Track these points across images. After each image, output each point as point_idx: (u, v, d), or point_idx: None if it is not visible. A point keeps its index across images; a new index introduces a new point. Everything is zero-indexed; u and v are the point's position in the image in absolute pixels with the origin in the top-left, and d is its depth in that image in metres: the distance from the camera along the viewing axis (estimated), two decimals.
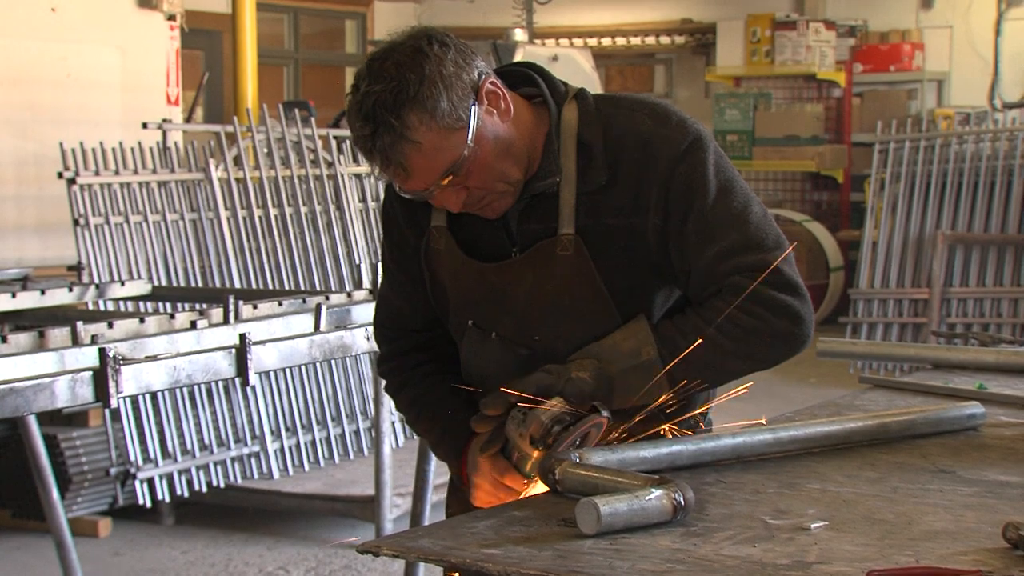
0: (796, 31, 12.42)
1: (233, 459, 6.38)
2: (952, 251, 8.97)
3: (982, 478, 2.24)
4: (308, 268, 7.01)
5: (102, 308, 5.08)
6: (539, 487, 2.25)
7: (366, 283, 4.61)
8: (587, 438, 2.24)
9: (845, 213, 12.37)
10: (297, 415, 6.64)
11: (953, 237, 8.95)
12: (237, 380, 3.41)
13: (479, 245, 2.37)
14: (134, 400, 5.96)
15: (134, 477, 5.98)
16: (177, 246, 6.57)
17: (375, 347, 3.90)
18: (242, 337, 3.36)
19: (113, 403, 3.03)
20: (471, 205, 2.28)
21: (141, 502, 6.00)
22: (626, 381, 2.28)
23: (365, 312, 3.99)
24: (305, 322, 3.89)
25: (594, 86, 10.77)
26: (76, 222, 6.21)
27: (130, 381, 3.07)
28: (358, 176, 7.43)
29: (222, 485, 6.29)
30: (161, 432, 6.14)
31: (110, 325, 3.68)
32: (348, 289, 5.47)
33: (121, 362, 3.05)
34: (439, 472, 4.09)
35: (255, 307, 4.07)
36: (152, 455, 6.07)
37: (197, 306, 4.49)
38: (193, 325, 3.69)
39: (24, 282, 4.77)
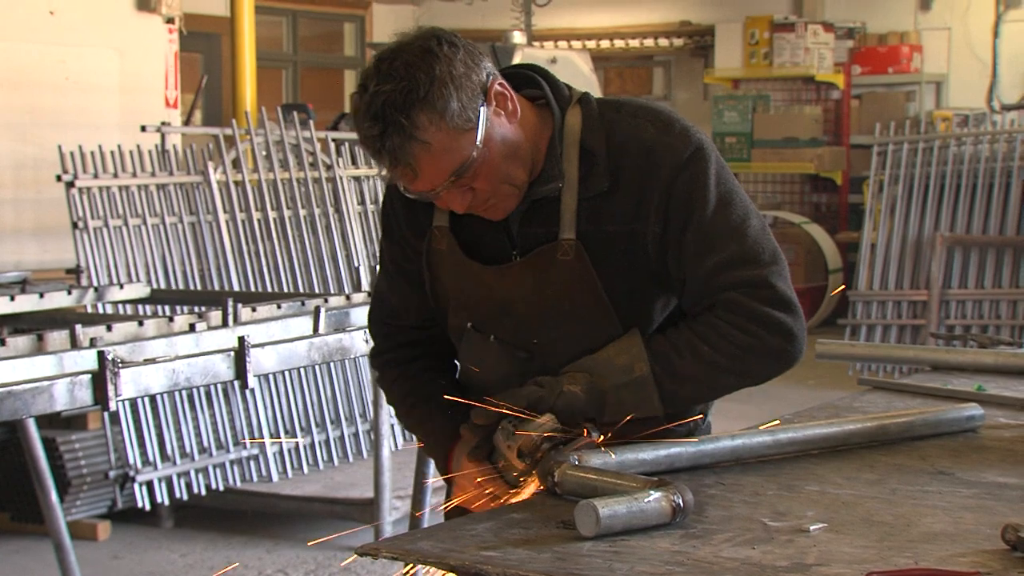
0: (794, 33, 12.43)
1: (232, 462, 6.38)
2: (951, 253, 8.97)
3: (981, 480, 2.24)
4: (307, 271, 7.01)
5: (101, 311, 5.08)
6: (522, 495, 2.26)
7: (365, 286, 4.61)
8: None
9: (844, 215, 12.37)
10: (296, 417, 6.64)
11: (952, 239, 8.95)
12: (236, 383, 3.41)
13: (480, 247, 2.37)
14: (133, 403, 5.96)
15: (133, 480, 5.97)
16: (176, 249, 6.57)
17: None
18: (241, 340, 3.37)
19: (112, 406, 3.03)
20: (476, 206, 2.27)
21: (140, 505, 6.00)
22: (618, 396, 2.28)
23: (364, 315, 3.96)
24: (304, 325, 3.90)
25: (593, 88, 10.77)
26: (75, 225, 6.20)
27: (129, 384, 3.07)
28: (357, 179, 7.43)
29: (221, 488, 6.29)
30: (160, 435, 6.13)
31: (109, 328, 3.68)
32: (347, 292, 5.46)
33: (120, 365, 3.05)
34: (438, 475, 4.09)
35: (254, 310, 4.07)
36: (151, 458, 6.07)
37: (196, 309, 4.49)
38: (192, 328, 3.69)
39: (23, 285, 4.76)
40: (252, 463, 6.44)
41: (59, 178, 6.23)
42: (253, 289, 6.70)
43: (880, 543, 1.88)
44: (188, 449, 6.22)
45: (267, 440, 6.40)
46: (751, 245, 2.27)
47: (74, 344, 3.51)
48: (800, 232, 11.56)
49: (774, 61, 12.56)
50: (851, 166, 12.29)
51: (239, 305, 3.96)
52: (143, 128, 7.00)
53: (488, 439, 2.30)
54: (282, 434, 6.54)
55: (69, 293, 4.64)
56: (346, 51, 14.67)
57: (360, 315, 4.03)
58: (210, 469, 6.28)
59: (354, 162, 7.45)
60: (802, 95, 12.78)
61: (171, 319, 3.89)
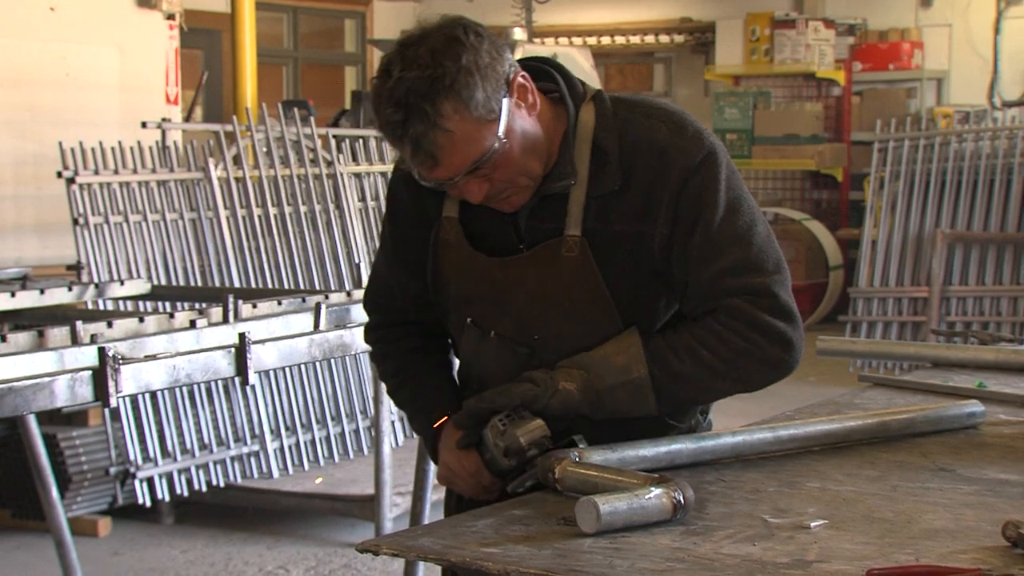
0: (795, 30, 12.42)
1: (233, 458, 6.38)
2: (952, 249, 8.96)
3: (982, 476, 2.24)
4: (307, 267, 7.01)
5: (101, 307, 5.07)
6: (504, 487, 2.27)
7: (365, 282, 4.61)
8: None
9: (844, 212, 12.37)
10: (297, 414, 6.64)
11: (953, 235, 8.94)
12: (236, 379, 3.41)
13: (487, 239, 2.37)
14: (133, 399, 5.96)
15: (134, 476, 5.97)
16: (176, 245, 6.57)
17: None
18: (241, 336, 3.36)
19: (112, 402, 3.03)
20: (491, 198, 2.27)
21: (141, 501, 6.00)
22: (614, 396, 2.27)
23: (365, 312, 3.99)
24: (304, 321, 3.89)
25: (593, 85, 10.75)
26: (75, 221, 6.20)
27: (129, 380, 3.07)
28: (357, 175, 7.43)
29: (222, 484, 6.29)
30: (161, 431, 6.13)
31: (109, 324, 3.68)
32: (347, 288, 5.47)
33: (120, 361, 3.05)
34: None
35: (254, 306, 4.07)
36: (152, 454, 6.07)
37: (196, 305, 4.48)
38: (192, 324, 3.69)
39: (23, 281, 4.76)
40: (253, 459, 6.44)
41: (60, 174, 6.23)
42: (254, 285, 6.70)
43: (881, 540, 1.88)
44: (189, 445, 6.22)
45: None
46: (756, 253, 2.28)
47: (75, 340, 3.51)
48: (801, 229, 11.55)
49: (775, 58, 12.55)
50: (852, 163, 12.29)
51: (240, 301, 3.96)
52: (144, 124, 7.00)
53: (477, 430, 2.30)
54: (282, 430, 6.54)
55: (70, 289, 4.64)
56: (347, 47, 14.67)
57: (361, 311, 4.01)
58: (211, 465, 6.28)
59: (355, 158, 7.44)
60: (803, 92, 12.77)
61: (172, 315, 3.89)
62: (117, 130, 7.38)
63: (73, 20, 8.33)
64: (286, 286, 6.81)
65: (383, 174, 7.54)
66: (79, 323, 3.58)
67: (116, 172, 6.38)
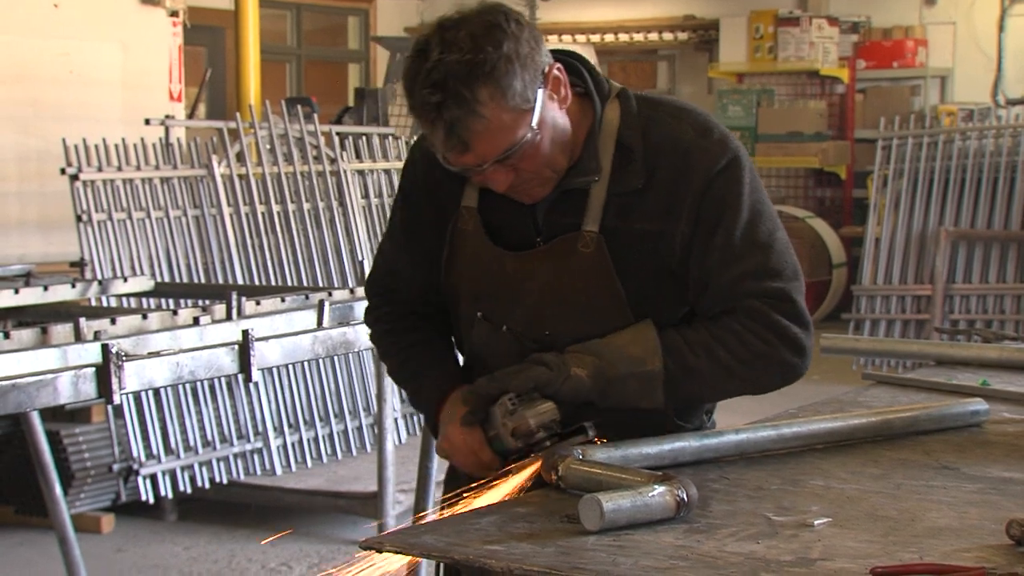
0: (799, 27, 12.41)
1: (236, 455, 6.38)
2: (955, 247, 8.96)
3: (986, 475, 2.24)
4: (311, 264, 7.01)
5: (105, 304, 5.08)
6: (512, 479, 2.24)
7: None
8: None
9: (848, 209, 12.36)
10: (300, 411, 6.64)
11: (956, 233, 8.94)
12: (240, 376, 3.41)
13: (504, 231, 2.36)
14: (137, 396, 5.96)
15: (137, 473, 5.98)
16: (180, 242, 6.57)
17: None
18: (245, 333, 3.36)
19: (116, 399, 3.03)
20: (515, 187, 2.27)
21: (144, 498, 6.00)
22: (624, 387, 2.27)
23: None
24: (308, 318, 3.89)
25: None
26: (79, 218, 6.21)
27: (133, 377, 3.07)
28: (360, 172, 7.43)
29: (225, 481, 6.29)
30: (164, 428, 6.14)
31: (113, 321, 3.68)
32: (351, 285, 5.46)
33: (124, 358, 3.04)
34: (442, 468, 4.09)
35: (258, 303, 4.07)
36: (155, 451, 6.07)
37: (200, 302, 4.48)
38: (196, 321, 3.69)
39: (27, 278, 4.77)
40: (256, 456, 6.44)
41: (63, 171, 6.23)
42: (257, 283, 6.70)
43: (885, 538, 1.88)
44: (192, 442, 6.22)
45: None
46: (777, 259, 2.29)
47: (78, 337, 3.51)
48: (804, 226, 11.55)
49: (778, 55, 12.55)
50: (855, 160, 12.28)
51: (243, 299, 3.96)
52: (147, 121, 7.00)
53: (484, 408, 2.29)
54: (285, 427, 6.54)
55: (73, 286, 4.65)
56: (350, 44, 14.67)
57: (364, 309, 4.02)
58: (214, 462, 6.28)
59: (358, 155, 7.44)
60: (807, 89, 12.76)
61: (175, 312, 3.89)
62: (120, 127, 7.38)
63: (76, 17, 8.33)
64: (289, 283, 6.81)
65: (386, 171, 7.55)
66: (82, 320, 3.58)
67: (120, 169, 6.38)
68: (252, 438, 6.43)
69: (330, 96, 13.10)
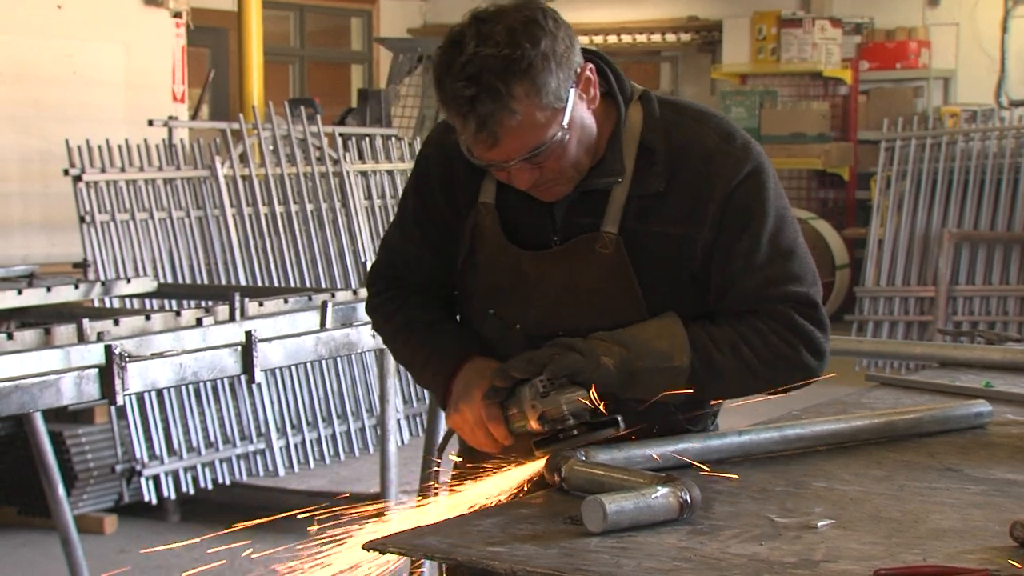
0: (802, 29, 12.41)
1: (239, 456, 6.38)
2: (958, 249, 8.95)
3: (989, 476, 2.24)
4: (314, 265, 7.01)
5: (108, 305, 5.08)
6: (518, 447, 2.24)
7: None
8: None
9: (851, 211, 12.35)
10: (303, 412, 6.64)
11: (959, 235, 8.93)
12: (243, 377, 3.41)
13: (521, 228, 2.35)
14: (140, 397, 5.97)
15: (140, 474, 5.98)
16: (183, 243, 6.58)
17: (380, 344, 3.87)
18: (248, 334, 3.36)
19: (119, 400, 3.03)
20: (537, 185, 2.25)
21: (147, 499, 6.01)
22: (650, 380, 2.25)
23: None
24: (311, 319, 3.89)
25: None
26: (82, 219, 6.21)
27: (136, 378, 3.07)
28: (364, 173, 7.43)
29: (227, 482, 6.29)
30: (167, 429, 6.14)
31: (116, 322, 3.68)
32: (354, 286, 5.47)
33: (127, 359, 3.05)
34: (445, 470, 4.09)
35: (261, 304, 4.07)
36: (158, 452, 6.07)
37: (203, 303, 4.48)
38: (199, 322, 3.69)
39: (30, 279, 4.77)
40: (258, 458, 6.44)
41: (66, 172, 6.23)
42: (260, 284, 6.70)
43: (888, 540, 1.88)
44: (195, 443, 6.22)
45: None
46: (798, 265, 2.31)
47: (81, 338, 3.51)
48: (807, 228, 11.52)
49: (781, 56, 12.54)
50: (859, 162, 12.28)
51: (246, 300, 3.96)
52: (150, 122, 7.01)
53: (510, 387, 2.24)
54: (288, 428, 6.54)
55: (76, 287, 4.65)
56: (353, 46, 14.67)
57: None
58: (216, 463, 6.28)
59: (361, 157, 7.45)
60: (810, 91, 12.75)
61: (178, 313, 3.90)
62: (123, 128, 7.39)
63: (80, 18, 8.34)
64: (292, 284, 6.81)
65: (389, 172, 7.55)
66: (86, 321, 3.58)
67: (123, 170, 6.39)
68: (255, 439, 6.43)
69: (333, 97, 13.10)
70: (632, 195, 2.28)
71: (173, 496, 6.10)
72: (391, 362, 4.26)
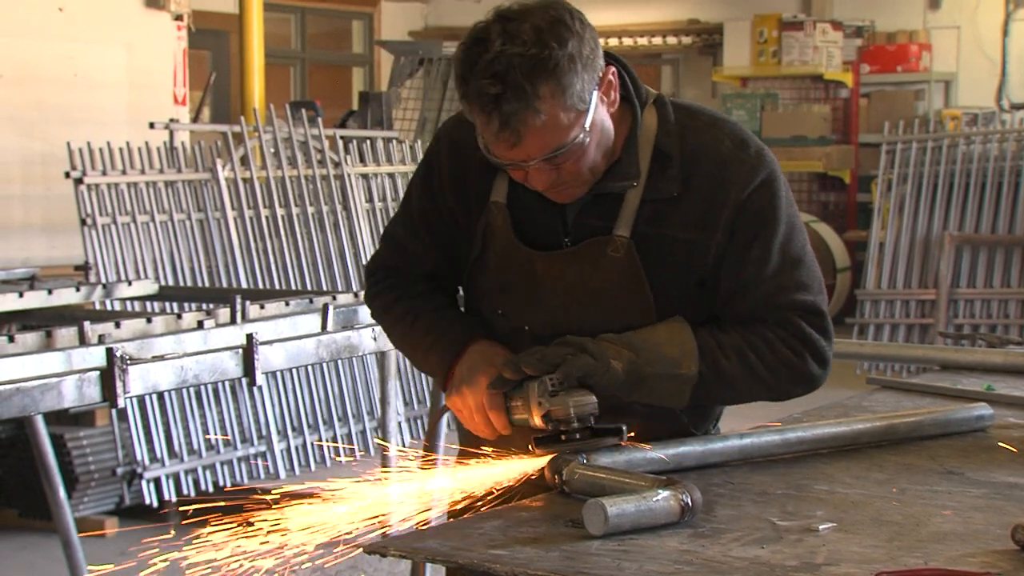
0: (803, 31, 12.40)
1: (240, 459, 6.38)
2: (959, 252, 8.96)
3: (991, 480, 2.24)
4: (315, 268, 7.01)
5: (109, 308, 5.08)
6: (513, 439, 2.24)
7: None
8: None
9: (852, 214, 12.35)
10: (304, 415, 6.64)
11: (960, 238, 8.93)
12: (244, 380, 3.41)
13: (531, 228, 2.34)
14: (141, 400, 5.96)
15: (141, 477, 5.98)
16: (184, 246, 6.58)
17: (382, 347, 3.88)
18: (249, 337, 3.36)
19: (120, 403, 3.03)
20: (554, 186, 2.25)
21: (148, 502, 6.01)
22: (656, 385, 2.24)
23: None
24: (312, 322, 3.89)
25: None
26: (83, 222, 6.21)
27: (137, 381, 3.07)
28: (365, 176, 7.43)
29: (228, 485, 6.29)
30: (168, 432, 6.14)
31: (117, 325, 3.68)
32: (355, 289, 5.47)
33: (128, 362, 3.05)
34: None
35: (262, 307, 4.07)
36: (159, 455, 6.07)
37: (204, 306, 4.49)
38: (200, 325, 3.69)
39: (31, 282, 4.77)
40: (259, 460, 6.44)
41: (68, 174, 6.24)
42: (261, 286, 6.71)
43: (889, 543, 1.88)
44: (196, 446, 6.22)
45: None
46: (807, 273, 2.32)
47: (82, 341, 3.51)
48: (808, 231, 11.50)
49: (783, 59, 12.54)
50: (859, 165, 12.27)
51: (247, 302, 3.96)
52: (152, 125, 7.01)
53: (519, 379, 2.23)
54: (289, 431, 6.54)
55: (78, 290, 4.65)
56: (354, 48, 14.67)
57: (368, 313, 4.02)
58: (218, 466, 6.28)
59: (362, 159, 7.45)
60: (811, 93, 12.75)
61: (179, 316, 3.90)
62: (125, 130, 7.39)
63: (81, 20, 8.34)
64: (293, 287, 6.82)
65: (390, 175, 7.55)
66: (87, 323, 3.58)
67: (124, 172, 6.39)
68: (256, 442, 6.43)
69: (334, 100, 13.10)
70: (645, 199, 2.28)
71: (174, 499, 6.10)
72: (392, 365, 4.26)
